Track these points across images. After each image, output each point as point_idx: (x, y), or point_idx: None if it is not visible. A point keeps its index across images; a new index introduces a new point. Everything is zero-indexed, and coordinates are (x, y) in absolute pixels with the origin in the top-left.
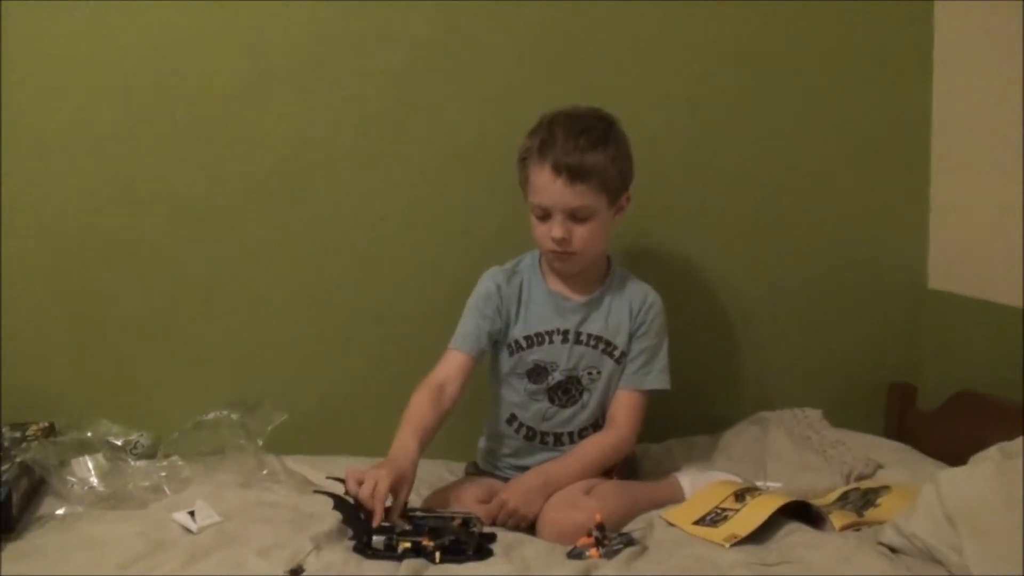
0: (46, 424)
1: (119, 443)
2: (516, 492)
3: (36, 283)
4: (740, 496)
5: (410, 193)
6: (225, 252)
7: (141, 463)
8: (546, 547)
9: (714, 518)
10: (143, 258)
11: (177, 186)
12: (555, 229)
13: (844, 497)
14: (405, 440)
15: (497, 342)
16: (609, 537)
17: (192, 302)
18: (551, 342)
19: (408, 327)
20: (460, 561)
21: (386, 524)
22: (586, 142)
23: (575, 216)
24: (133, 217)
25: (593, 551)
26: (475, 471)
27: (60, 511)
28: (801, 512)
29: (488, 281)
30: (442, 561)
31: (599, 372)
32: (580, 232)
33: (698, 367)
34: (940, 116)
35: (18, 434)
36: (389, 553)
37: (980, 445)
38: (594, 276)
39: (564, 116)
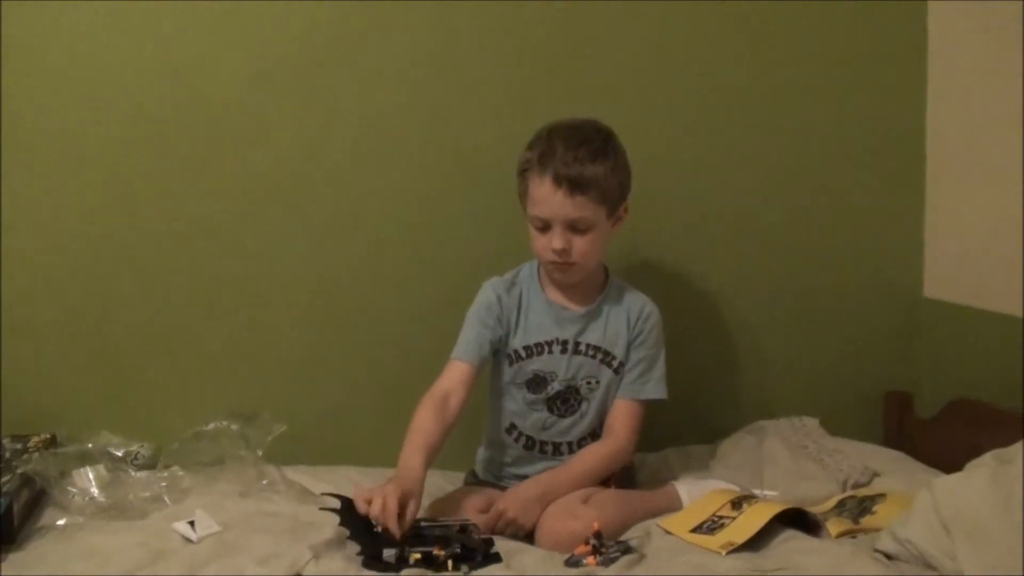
0: (47, 436)
1: (120, 454)
2: (514, 501)
3: (37, 295)
4: (737, 504)
5: (410, 202)
6: (225, 262)
7: (142, 474)
8: (544, 555)
9: (711, 526)
10: (143, 269)
11: (177, 198)
12: (555, 240)
13: (841, 505)
14: (410, 456)
15: (497, 351)
16: (606, 545)
17: (192, 313)
18: (550, 352)
19: (407, 338)
20: (474, 568)
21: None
22: (585, 154)
23: (575, 227)
24: (132, 228)
25: (590, 559)
26: (474, 481)
27: (61, 522)
28: (798, 520)
29: (489, 291)
30: (455, 569)
31: (597, 382)
32: (580, 243)
33: (695, 376)
34: (935, 125)
35: (19, 445)
36: (401, 565)
37: (976, 452)
38: (592, 287)
39: (563, 128)
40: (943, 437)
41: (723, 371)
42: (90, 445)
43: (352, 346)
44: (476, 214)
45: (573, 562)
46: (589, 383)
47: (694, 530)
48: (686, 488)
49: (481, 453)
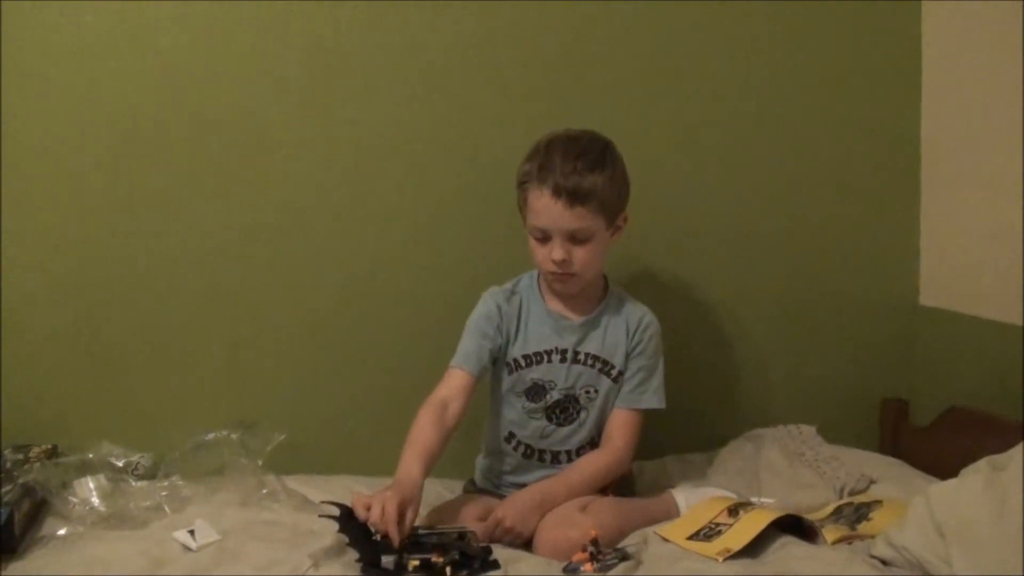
0: (48, 446)
1: (120, 464)
2: (512, 509)
3: (37, 306)
4: (734, 511)
5: (410, 211)
6: (225, 272)
7: (142, 483)
8: (542, 563)
9: (708, 533)
10: (143, 279)
11: (177, 207)
12: (555, 251)
13: (838, 512)
14: (409, 464)
15: (496, 360)
16: (604, 552)
17: (192, 323)
18: (549, 361)
19: (407, 347)
20: (472, 575)
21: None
22: (584, 165)
23: (575, 238)
24: (133, 238)
25: (588, 566)
26: (473, 489)
27: (62, 531)
28: (794, 526)
29: (489, 301)
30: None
31: (596, 391)
32: (580, 253)
33: (693, 385)
34: (930, 131)
35: (21, 456)
36: (400, 572)
37: (972, 459)
38: (592, 296)
39: (561, 139)
40: (939, 444)
41: (721, 379)
42: (91, 455)
43: (352, 355)
44: (474, 228)
45: (571, 569)
46: (588, 392)
47: (691, 537)
48: (684, 495)
49: (480, 461)
